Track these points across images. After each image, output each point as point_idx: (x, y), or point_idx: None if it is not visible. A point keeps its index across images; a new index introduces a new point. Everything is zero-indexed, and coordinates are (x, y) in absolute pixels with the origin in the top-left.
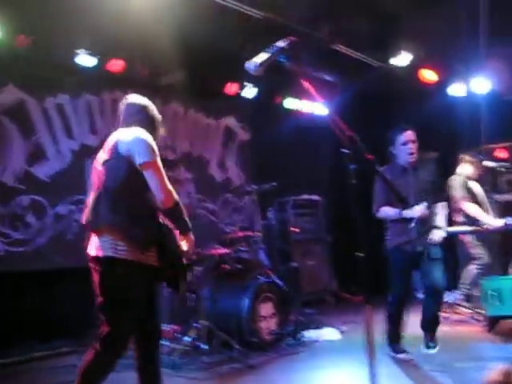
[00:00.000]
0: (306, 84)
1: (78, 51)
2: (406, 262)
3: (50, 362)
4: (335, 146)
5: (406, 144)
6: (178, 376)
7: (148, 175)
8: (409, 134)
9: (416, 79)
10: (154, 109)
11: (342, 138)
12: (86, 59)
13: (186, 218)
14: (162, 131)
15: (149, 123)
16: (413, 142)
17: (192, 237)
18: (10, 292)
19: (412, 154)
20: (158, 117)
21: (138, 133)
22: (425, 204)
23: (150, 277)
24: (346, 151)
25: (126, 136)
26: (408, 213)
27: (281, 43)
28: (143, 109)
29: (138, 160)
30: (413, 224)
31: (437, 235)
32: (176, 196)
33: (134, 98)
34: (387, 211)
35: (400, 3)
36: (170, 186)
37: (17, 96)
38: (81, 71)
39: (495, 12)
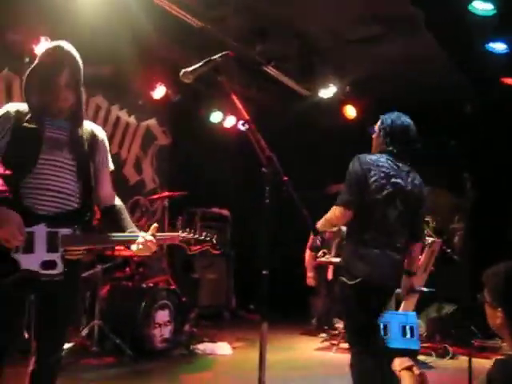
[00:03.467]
0: (234, 99)
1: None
2: None
3: None
4: (251, 164)
5: None
6: (63, 376)
7: None
8: None
9: (339, 113)
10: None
11: (261, 157)
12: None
13: None
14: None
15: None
16: None
17: None
18: None
19: None
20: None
21: None
22: None
23: None
24: (264, 170)
25: None
26: None
27: (215, 56)
28: None
29: None
30: None
31: None
32: None
33: None
34: None
35: (328, 37)
36: None
37: None
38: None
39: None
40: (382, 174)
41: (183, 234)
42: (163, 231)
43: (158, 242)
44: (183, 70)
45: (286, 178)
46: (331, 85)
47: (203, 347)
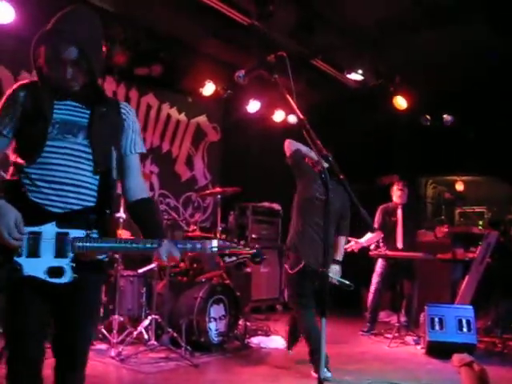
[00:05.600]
0: (289, 99)
1: None
2: None
3: None
4: None
5: None
6: (124, 368)
7: None
8: None
9: (389, 104)
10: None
11: (318, 156)
12: None
13: None
14: None
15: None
16: None
17: None
18: None
19: None
20: None
21: None
22: None
23: None
24: (321, 169)
25: None
26: None
27: (269, 56)
28: None
29: None
30: None
31: None
32: None
33: None
34: None
35: (379, 27)
36: None
37: None
38: None
39: None
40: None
41: (215, 245)
42: (216, 227)
43: (175, 258)
44: (237, 73)
45: (342, 177)
46: (379, 75)
47: (257, 341)
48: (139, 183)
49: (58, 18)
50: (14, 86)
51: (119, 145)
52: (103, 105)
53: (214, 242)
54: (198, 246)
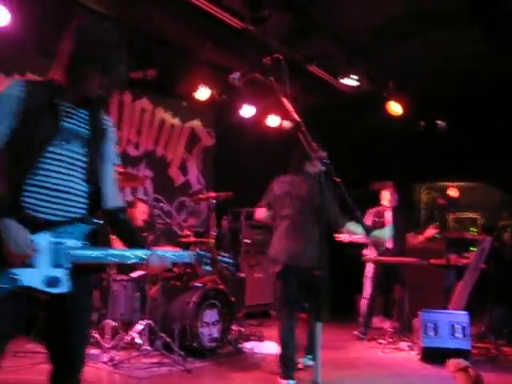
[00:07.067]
0: (284, 101)
1: None
2: None
3: None
4: None
5: None
6: (116, 373)
7: None
8: None
9: (383, 109)
10: None
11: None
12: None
13: None
14: None
15: None
16: None
17: None
18: None
19: None
20: None
21: None
22: None
23: None
24: (316, 171)
25: None
26: None
27: (265, 59)
28: None
29: None
30: None
31: None
32: None
33: None
34: None
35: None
36: None
37: None
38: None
39: None
40: None
41: (198, 253)
42: (209, 231)
43: (166, 267)
44: (232, 75)
45: (338, 180)
46: (373, 81)
47: (251, 346)
48: (115, 191)
49: (90, 37)
50: (15, 81)
51: (101, 153)
52: (104, 115)
53: (201, 252)
54: (186, 256)
